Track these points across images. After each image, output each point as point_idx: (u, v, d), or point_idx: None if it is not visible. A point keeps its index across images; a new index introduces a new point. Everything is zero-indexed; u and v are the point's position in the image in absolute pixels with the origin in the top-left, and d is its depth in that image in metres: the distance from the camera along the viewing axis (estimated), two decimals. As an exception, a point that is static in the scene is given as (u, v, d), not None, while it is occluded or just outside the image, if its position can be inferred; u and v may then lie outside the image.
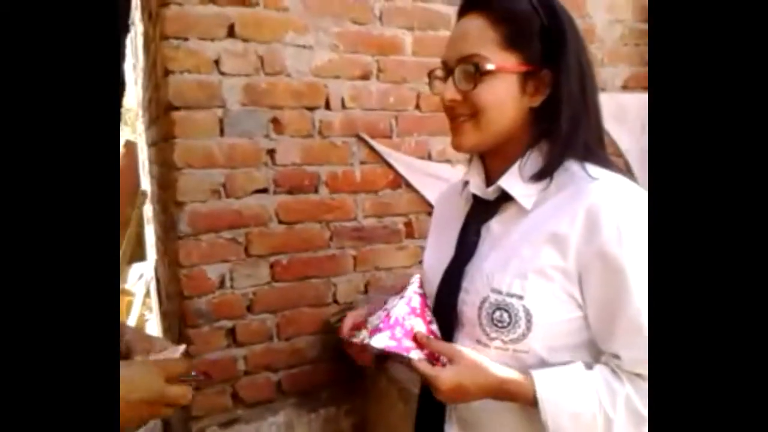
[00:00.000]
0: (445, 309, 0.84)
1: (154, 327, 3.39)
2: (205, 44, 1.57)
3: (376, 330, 0.78)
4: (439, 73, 0.84)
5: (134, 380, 0.68)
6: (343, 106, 1.75)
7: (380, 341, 0.76)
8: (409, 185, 1.86)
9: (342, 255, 1.78)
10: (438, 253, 0.91)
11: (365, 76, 1.77)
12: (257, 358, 1.69)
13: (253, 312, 1.67)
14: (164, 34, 1.53)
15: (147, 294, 3.64)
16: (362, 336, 0.80)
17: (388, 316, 0.79)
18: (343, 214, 1.77)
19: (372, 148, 1.79)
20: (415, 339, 0.78)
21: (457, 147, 0.83)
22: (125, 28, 0.64)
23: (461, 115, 0.80)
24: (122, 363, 0.74)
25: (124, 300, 3.73)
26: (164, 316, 2.52)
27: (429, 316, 0.82)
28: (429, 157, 1.88)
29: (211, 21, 1.57)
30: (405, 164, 1.83)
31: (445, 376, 0.74)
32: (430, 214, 1.88)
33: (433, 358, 0.78)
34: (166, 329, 2.39)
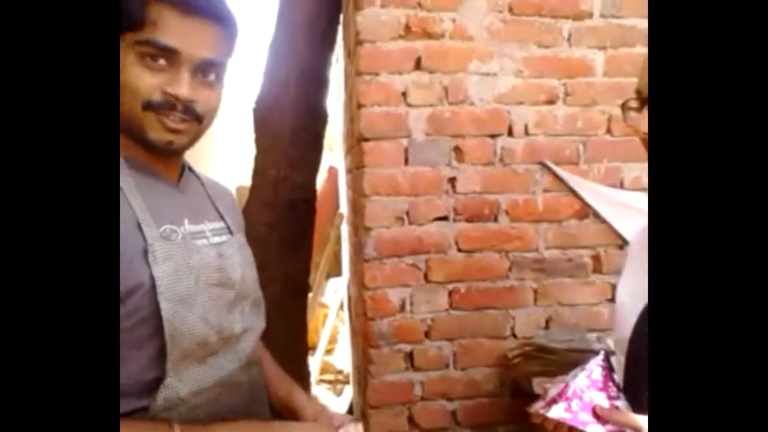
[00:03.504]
0: (643, 352, 0.76)
1: (345, 339, 3.63)
2: (394, 78, 1.65)
3: (552, 401, 0.75)
4: (634, 103, 0.78)
5: None
6: (527, 133, 1.70)
7: (555, 413, 0.73)
8: (597, 215, 1.73)
9: (521, 287, 1.72)
10: (635, 291, 0.84)
11: (551, 101, 1.71)
12: (433, 385, 1.70)
13: (430, 338, 1.70)
14: (359, 70, 1.65)
15: (341, 307, 3.92)
16: (537, 406, 0.77)
17: (566, 387, 0.75)
18: (524, 244, 1.72)
19: (556, 176, 1.71)
20: (595, 413, 0.72)
21: None
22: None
23: None
24: (296, 424, 0.82)
25: (320, 312, 4.06)
26: (353, 331, 2.69)
27: (614, 391, 0.76)
28: (621, 185, 1.73)
29: (400, 55, 1.65)
30: (593, 192, 1.70)
31: None
32: (621, 247, 1.74)
33: None
34: (353, 345, 2.54)
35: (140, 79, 0.71)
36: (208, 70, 0.76)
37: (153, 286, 0.69)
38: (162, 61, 0.72)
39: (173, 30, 0.71)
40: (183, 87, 0.73)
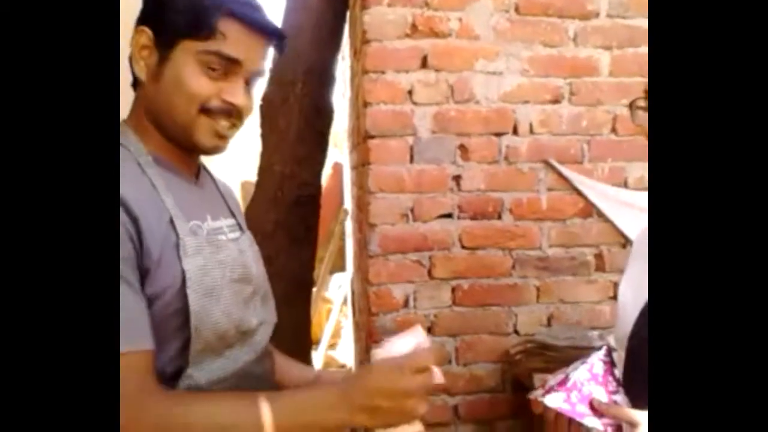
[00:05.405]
0: (643, 349, 0.77)
1: (348, 334, 3.65)
2: (400, 76, 1.67)
3: (550, 389, 0.75)
4: (642, 103, 0.79)
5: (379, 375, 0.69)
6: (531, 132, 1.71)
7: (553, 401, 0.74)
8: (600, 214, 1.74)
9: (524, 284, 1.74)
10: (636, 290, 0.85)
11: (556, 100, 1.72)
12: (436, 380, 1.72)
13: (433, 334, 1.71)
14: (365, 69, 1.66)
15: (344, 302, 3.94)
16: (536, 394, 0.78)
17: (566, 378, 0.76)
18: (527, 242, 1.73)
19: (560, 174, 1.72)
20: (593, 407, 0.73)
21: None
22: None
23: None
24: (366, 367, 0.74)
25: (324, 307, 4.08)
26: (356, 326, 2.71)
27: (613, 386, 0.76)
28: (625, 185, 1.74)
29: (406, 54, 1.66)
30: (597, 191, 1.72)
31: None
32: (624, 246, 1.75)
33: (615, 430, 0.72)
34: (357, 340, 2.56)
35: (200, 86, 0.75)
36: (254, 80, 0.81)
37: (184, 280, 0.71)
38: (222, 71, 0.76)
39: (239, 43, 0.75)
40: (240, 96, 0.77)
